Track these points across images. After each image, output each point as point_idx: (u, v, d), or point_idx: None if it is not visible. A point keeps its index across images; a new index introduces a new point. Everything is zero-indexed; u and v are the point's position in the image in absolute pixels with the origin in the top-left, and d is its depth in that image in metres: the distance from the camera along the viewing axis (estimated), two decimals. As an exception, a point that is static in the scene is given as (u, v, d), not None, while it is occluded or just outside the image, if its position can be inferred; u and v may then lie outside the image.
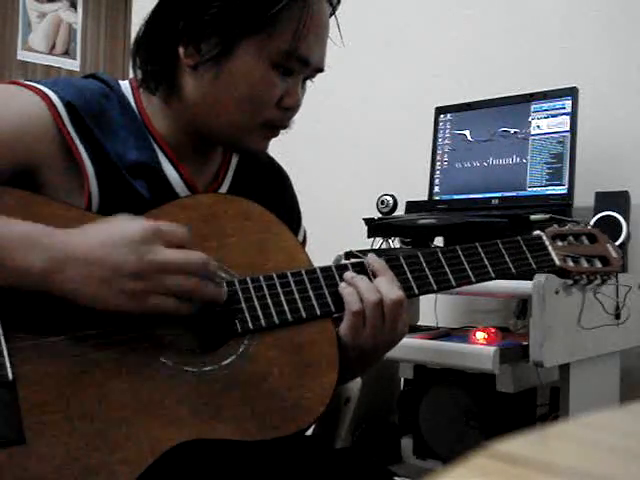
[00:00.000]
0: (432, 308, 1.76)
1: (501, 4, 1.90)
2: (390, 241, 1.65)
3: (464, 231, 1.44)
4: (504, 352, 1.21)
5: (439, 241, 1.62)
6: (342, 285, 0.86)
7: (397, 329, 0.87)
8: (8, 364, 0.70)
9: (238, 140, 0.91)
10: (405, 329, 0.89)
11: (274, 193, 1.04)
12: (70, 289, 0.71)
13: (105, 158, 0.86)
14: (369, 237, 1.62)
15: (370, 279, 0.87)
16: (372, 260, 0.89)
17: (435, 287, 0.90)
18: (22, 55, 3.74)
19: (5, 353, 0.70)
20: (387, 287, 0.85)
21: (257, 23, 0.84)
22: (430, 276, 0.90)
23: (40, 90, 0.84)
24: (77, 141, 0.84)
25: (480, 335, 1.29)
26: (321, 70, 0.93)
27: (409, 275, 0.89)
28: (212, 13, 0.85)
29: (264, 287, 0.83)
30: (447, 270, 0.91)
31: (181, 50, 0.87)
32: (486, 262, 0.93)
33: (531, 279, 1.20)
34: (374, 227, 1.60)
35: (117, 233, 0.74)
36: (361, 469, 0.95)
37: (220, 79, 0.87)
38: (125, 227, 0.75)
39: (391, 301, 0.84)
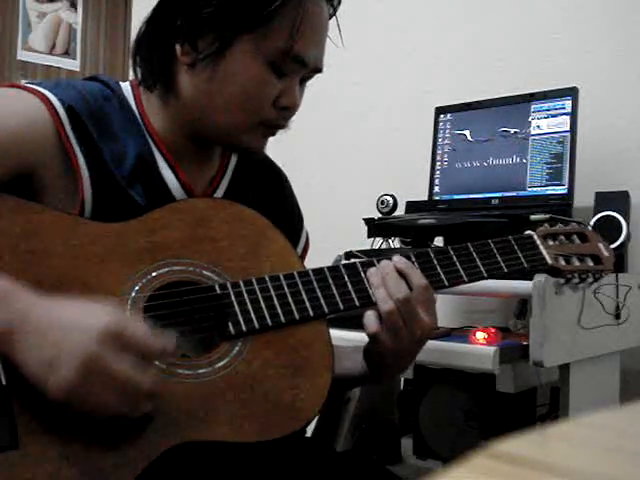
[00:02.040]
0: (432, 308, 1.75)
1: (501, 4, 1.90)
2: (390, 241, 1.65)
3: (464, 231, 1.44)
4: (504, 352, 1.21)
5: (439, 241, 1.62)
6: (374, 285, 0.87)
7: (424, 323, 0.87)
8: (1, 369, 0.70)
9: (234, 139, 0.91)
10: (433, 321, 0.89)
11: (273, 196, 1.04)
12: (16, 356, 0.68)
13: (102, 164, 0.86)
14: (369, 237, 1.62)
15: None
16: (399, 262, 0.89)
17: None
18: (22, 55, 3.74)
19: None
20: (417, 277, 0.87)
21: (252, 21, 0.85)
22: None
23: (41, 93, 0.84)
24: (75, 146, 0.84)
25: (480, 335, 1.29)
26: (319, 71, 0.92)
27: None
28: (209, 11, 0.85)
29: (257, 289, 0.84)
30: (439, 271, 0.91)
31: (178, 48, 0.88)
32: (478, 262, 0.93)
33: (531, 279, 1.20)
34: (374, 227, 1.60)
35: (82, 315, 0.69)
36: (361, 470, 0.95)
37: (216, 77, 0.87)
38: (91, 315, 0.69)
39: (421, 288, 0.86)
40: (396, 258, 0.89)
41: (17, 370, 0.68)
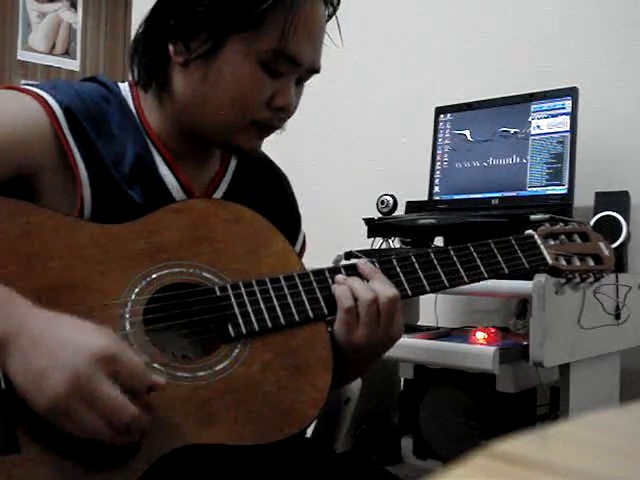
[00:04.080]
0: (432, 308, 1.76)
1: (501, 4, 1.90)
2: (390, 241, 1.65)
3: (464, 231, 1.44)
4: (504, 352, 1.21)
5: (439, 241, 1.62)
6: (334, 285, 0.86)
7: (392, 328, 0.86)
8: (1, 373, 0.69)
9: (227, 138, 0.91)
10: (401, 329, 0.88)
11: (273, 196, 1.04)
12: (8, 365, 0.67)
13: (100, 165, 0.85)
14: (369, 237, 1.62)
15: (363, 281, 0.87)
16: (362, 265, 0.89)
17: (428, 288, 0.90)
18: (22, 55, 3.74)
19: None
20: (381, 286, 0.85)
21: (244, 21, 0.84)
22: (423, 278, 0.90)
23: (39, 95, 0.84)
24: (74, 147, 0.84)
25: (480, 335, 1.29)
26: (315, 71, 0.92)
27: (402, 277, 0.89)
28: (201, 11, 0.85)
29: (257, 291, 0.83)
30: (440, 271, 0.91)
31: (171, 47, 0.88)
32: (479, 262, 0.93)
33: (531, 279, 1.20)
34: (374, 227, 1.60)
35: (77, 336, 0.67)
36: (361, 471, 0.95)
37: (209, 77, 0.87)
38: (88, 334, 0.68)
39: (387, 298, 0.84)
40: (361, 262, 0.89)
41: (9, 372, 0.67)
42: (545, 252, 0.97)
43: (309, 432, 1.06)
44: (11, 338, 0.67)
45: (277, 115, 0.90)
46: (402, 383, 1.71)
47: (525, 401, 1.45)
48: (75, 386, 0.64)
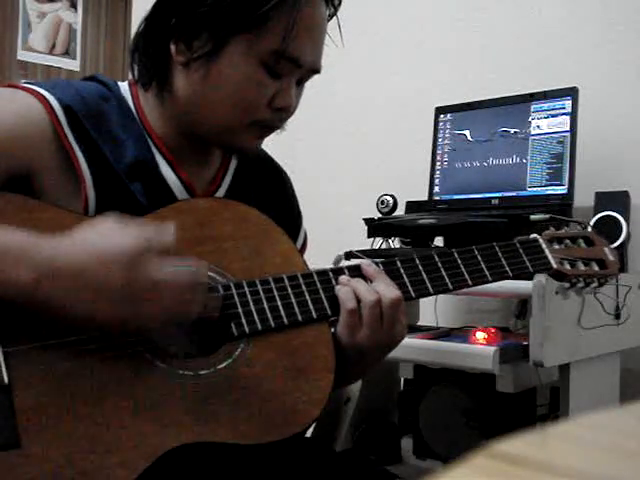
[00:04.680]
0: (432, 308, 1.76)
1: (501, 4, 1.90)
2: (390, 241, 1.65)
3: (464, 231, 1.44)
4: (504, 352, 1.21)
5: (439, 241, 1.62)
6: (338, 287, 0.86)
7: (395, 330, 0.86)
8: (4, 368, 0.69)
9: (228, 138, 0.91)
10: (404, 331, 0.88)
11: (274, 195, 1.04)
12: (56, 304, 0.70)
13: (103, 162, 0.85)
14: (369, 237, 1.62)
15: (366, 282, 0.87)
16: (367, 265, 0.89)
17: (432, 291, 0.90)
18: (22, 55, 3.74)
19: (0, 357, 0.70)
20: (385, 288, 0.85)
21: (247, 22, 0.84)
22: (427, 280, 0.90)
23: (39, 93, 0.84)
24: (75, 145, 0.84)
25: (480, 335, 1.29)
26: (316, 71, 0.92)
27: (406, 279, 0.89)
28: (203, 11, 0.85)
29: (260, 291, 0.83)
30: (444, 274, 0.90)
31: (173, 47, 0.88)
32: (483, 265, 0.92)
33: (531, 279, 1.20)
34: (374, 227, 1.60)
35: (106, 246, 0.71)
36: (361, 471, 0.95)
37: (210, 77, 0.87)
38: (114, 239, 0.72)
39: (390, 300, 0.84)
40: (365, 263, 0.89)
41: (61, 313, 0.70)
42: (550, 256, 0.97)
43: (309, 432, 1.06)
44: (47, 280, 0.69)
45: (278, 115, 0.90)
46: (402, 383, 1.71)
47: (525, 401, 1.45)
48: (132, 288, 0.71)
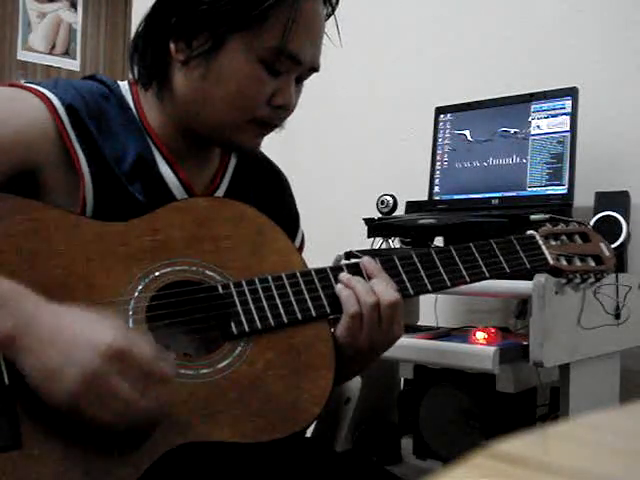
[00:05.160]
0: (432, 308, 1.76)
1: (501, 4, 1.90)
2: (390, 241, 1.65)
3: (464, 231, 1.44)
4: (504, 352, 1.21)
5: (439, 241, 1.62)
6: (339, 287, 0.86)
7: (393, 330, 0.87)
8: (4, 369, 0.70)
9: (228, 137, 0.91)
10: (401, 330, 0.89)
11: (272, 195, 1.04)
12: (21, 360, 0.67)
13: (102, 162, 0.86)
14: (369, 237, 1.62)
15: (365, 280, 0.87)
16: (366, 262, 0.89)
17: (430, 288, 0.90)
18: (22, 55, 3.74)
19: (1, 358, 0.70)
20: (383, 289, 0.86)
21: (246, 20, 0.85)
22: (425, 277, 0.90)
23: (41, 92, 0.84)
24: (76, 144, 0.84)
25: (480, 335, 1.29)
26: (315, 69, 0.92)
27: (404, 276, 0.90)
28: (202, 9, 0.85)
29: (259, 289, 0.83)
30: (442, 270, 0.91)
31: (172, 46, 0.88)
32: (480, 262, 0.93)
33: (531, 279, 1.20)
34: (374, 227, 1.60)
35: (87, 332, 0.68)
36: (361, 471, 0.95)
37: (209, 75, 0.87)
38: (98, 329, 0.69)
39: (388, 302, 0.85)
40: (365, 260, 0.89)
41: (20, 374, 0.68)
42: (546, 252, 0.97)
43: (309, 432, 1.06)
44: (21, 335, 0.67)
45: (277, 113, 0.91)
46: (402, 383, 1.71)
47: (525, 401, 1.45)
48: (89, 385, 0.66)
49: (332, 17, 0.95)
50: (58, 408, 0.67)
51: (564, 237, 1.01)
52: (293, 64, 0.88)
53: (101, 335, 0.68)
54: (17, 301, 0.69)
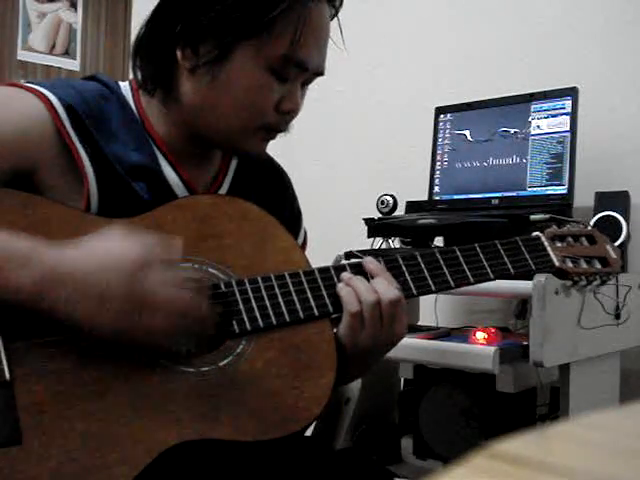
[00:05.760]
0: (432, 308, 1.76)
1: (501, 4, 1.90)
2: (390, 241, 1.65)
3: (464, 231, 1.44)
4: (504, 352, 1.21)
5: (439, 241, 1.62)
6: (340, 286, 0.86)
7: (395, 329, 0.87)
8: (5, 364, 0.70)
9: (235, 143, 0.91)
10: (404, 330, 0.89)
11: (274, 194, 1.04)
12: (58, 311, 0.70)
13: (104, 160, 0.86)
14: (369, 237, 1.62)
15: (368, 280, 0.87)
16: (369, 262, 0.89)
17: (434, 288, 0.90)
18: (22, 55, 3.74)
19: (2, 353, 0.70)
20: (384, 287, 0.85)
21: (254, 27, 0.84)
22: (429, 277, 0.90)
23: (40, 92, 0.84)
24: (77, 143, 0.84)
25: (480, 335, 1.29)
26: (321, 74, 0.92)
27: (408, 276, 0.89)
28: (210, 16, 0.85)
29: (262, 288, 0.83)
30: (446, 271, 0.91)
31: (179, 53, 0.87)
32: (485, 263, 0.93)
33: (531, 279, 1.20)
34: (374, 227, 1.60)
35: (110, 256, 0.72)
36: (361, 470, 0.95)
37: (217, 82, 0.87)
38: (119, 250, 0.73)
39: (388, 300, 0.84)
40: (368, 260, 0.89)
41: (64, 323, 0.71)
42: (552, 254, 0.97)
43: (309, 432, 1.06)
44: (51, 286, 0.70)
45: (284, 118, 0.91)
46: (402, 383, 1.71)
47: (525, 401, 1.45)
48: (134, 297, 0.71)
49: (334, 20, 0.95)
50: (112, 337, 0.71)
51: (570, 239, 1.00)
52: (301, 70, 0.88)
53: (126, 251, 0.72)
54: (37, 257, 0.71)
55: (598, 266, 1.00)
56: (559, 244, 0.99)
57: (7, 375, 0.69)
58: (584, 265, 0.99)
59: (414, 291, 0.89)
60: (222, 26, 0.85)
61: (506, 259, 0.94)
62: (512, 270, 0.94)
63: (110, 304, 0.70)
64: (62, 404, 0.70)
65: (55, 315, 0.70)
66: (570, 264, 0.98)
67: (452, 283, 0.91)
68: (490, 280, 0.93)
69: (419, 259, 0.90)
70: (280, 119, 0.90)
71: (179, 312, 0.73)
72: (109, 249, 0.73)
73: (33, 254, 0.71)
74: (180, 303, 0.73)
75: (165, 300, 0.72)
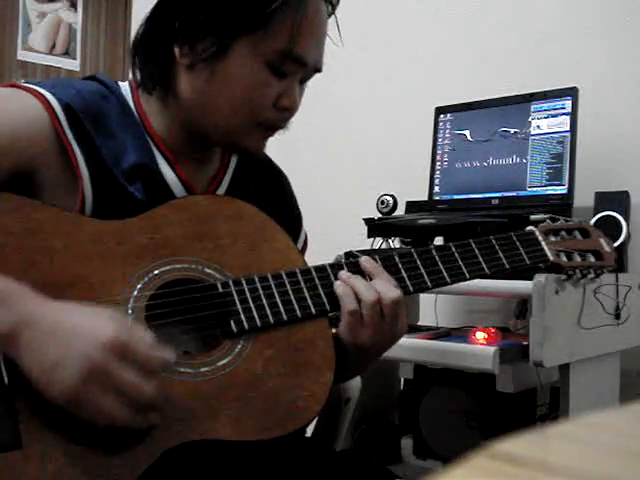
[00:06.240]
0: (432, 308, 1.76)
1: (501, 4, 1.90)
2: (390, 241, 1.65)
3: (464, 231, 1.44)
4: (504, 352, 1.21)
5: (439, 241, 1.61)
6: (337, 284, 0.86)
7: (397, 327, 0.87)
8: (4, 368, 0.70)
9: (234, 140, 0.91)
10: (404, 327, 0.89)
11: (273, 195, 1.04)
12: (22, 360, 0.68)
13: (100, 162, 0.86)
14: (369, 237, 1.62)
15: (365, 279, 0.87)
16: (366, 261, 0.89)
17: (430, 285, 0.91)
18: (22, 55, 3.74)
19: (1, 357, 0.70)
20: (384, 286, 0.86)
21: (251, 23, 0.84)
22: (425, 274, 0.90)
23: (38, 92, 0.84)
24: (74, 143, 0.84)
25: (480, 335, 1.29)
26: (319, 70, 0.92)
27: (404, 274, 0.90)
28: (207, 13, 0.85)
29: (259, 287, 0.84)
30: (441, 267, 0.91)
31: (177, 50, 0.87)
32: (480, 258, 0.93)
33: (531, 279, 1.20)
34: (374, 227, 1.60)
35: (86, 326, 0.69)
36: (361, 470, 0.95)
37: (215, 79, 0.87)
38: (97, 323, 0.69)
39: (390, 299, 0.85)
40: (364, 259, 0.89)
41: (20, 372, 0.68)
42: (546, 248, 0.97)
43: (309, 432, 1.06)
44: (22, 331, 0.67)
45: (283, 115, 0.91)
46: (402, 383, 1.71)
47: (525, 401, 1.45)
48: (91, 374, 0.66)
49: (332, 17, 0.95)
50: (58, 403, 0.67)
51: (564, 233, 1.01)
52: (299, 66, 0.88)
53: (100, 327, 0.68)
54: (16, 299, 0.69)
55: (592, 259, 1.01)
56: (553, 238, 0.99)
57: (6, 379, 0.69)
58: (578, 259, 0.99)
59: (410, 288, 0.90)
60: (220, 22, 0.85)
61: (501, 254, 0.94)
62: (507, 265, 0.94)
63: (67, 369, 0.66)
64: (61, 409, 0.69)
65: (17, 361, 0.68)
66: (564, 258, 0.98)
67: (448, 279, 0.91)
68: (486, 275, 0.93)
69: (415, 256, 0.91)
70: (278, 116, 0.90)
71: (130, 401, 0.68)
72: (91, 315, 0.70)
73: (12, 295, 0.69)
74: (133, 394, 0.68)
75: (123, 389, 0.67)
